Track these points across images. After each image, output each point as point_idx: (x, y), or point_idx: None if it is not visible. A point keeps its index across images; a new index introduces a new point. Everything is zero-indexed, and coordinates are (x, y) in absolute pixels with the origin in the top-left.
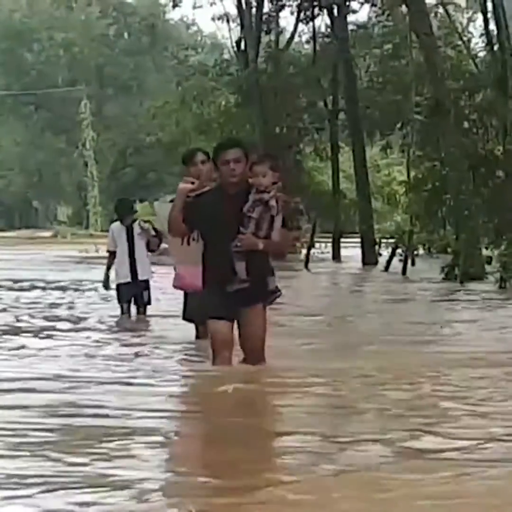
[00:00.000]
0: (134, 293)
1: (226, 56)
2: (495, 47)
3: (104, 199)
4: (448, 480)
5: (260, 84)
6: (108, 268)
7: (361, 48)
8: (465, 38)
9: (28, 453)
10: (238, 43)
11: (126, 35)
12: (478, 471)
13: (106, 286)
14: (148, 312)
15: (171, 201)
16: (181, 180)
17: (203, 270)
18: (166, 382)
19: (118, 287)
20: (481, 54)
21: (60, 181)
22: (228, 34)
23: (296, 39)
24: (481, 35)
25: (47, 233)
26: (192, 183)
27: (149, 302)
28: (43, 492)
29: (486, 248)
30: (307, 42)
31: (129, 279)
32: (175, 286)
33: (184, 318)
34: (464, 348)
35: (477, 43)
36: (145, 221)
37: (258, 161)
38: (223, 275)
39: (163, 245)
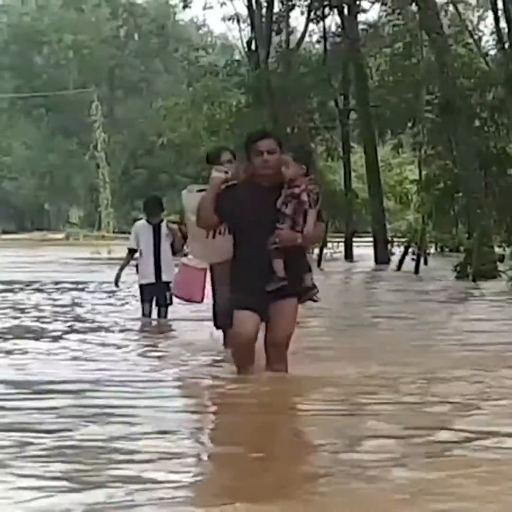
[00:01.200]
0: (156, 294)
1: (236, 56)
2: (506, 45)
3: (116, 201)
4: None
5: (271, 84)
6: (123, 267)
7: (372, 47)
8: (475, 36)
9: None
10: (248, 43)
11: (136, 36)
12: None
13: (117, 283)
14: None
15: (200, 191)
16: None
17: (233, 267)
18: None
19: (141, 287)
20: (492, 52)
21: (72, 183)
22: (238, 34)
23: (307, 39)
24: (492, 33)
25: (59, 235)
26: (226, 173)
27: (171, 303)
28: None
29: (499, 246)
30: (318, 42)
31: (153, 280)
32: (174, 295)
33: (216, 325)
34: None
35: (488, 41)
36: (173, 222)
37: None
38: (258, 273)
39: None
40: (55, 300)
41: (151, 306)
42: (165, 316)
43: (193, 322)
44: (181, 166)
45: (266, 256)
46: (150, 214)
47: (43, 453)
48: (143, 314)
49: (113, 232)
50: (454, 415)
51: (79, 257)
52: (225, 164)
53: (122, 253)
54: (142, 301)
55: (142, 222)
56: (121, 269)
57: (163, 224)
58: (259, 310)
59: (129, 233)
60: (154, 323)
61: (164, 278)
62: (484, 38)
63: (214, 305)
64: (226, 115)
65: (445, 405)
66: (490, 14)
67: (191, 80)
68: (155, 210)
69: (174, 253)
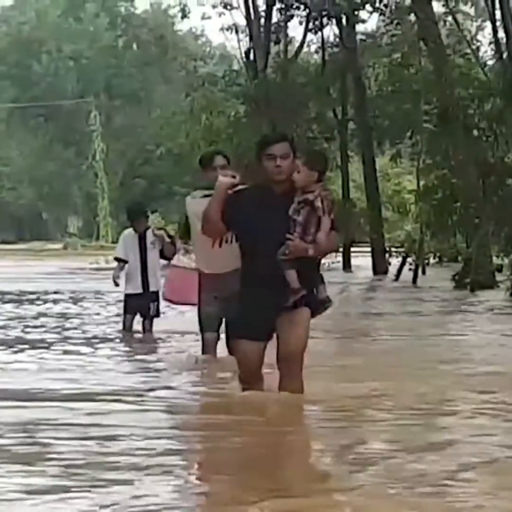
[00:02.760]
0: (142, 305)
1: (235, 66)
2: (504, 55)
3: (114, 210)
4: None
5: (269, 94)
6: (114, 278)
7: (370, 57)
8: (474, 47)
9: None
10: (247, 53)
11: (134, 46)
12: None
13: (116, 282)
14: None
15: (205, 196)
16: (190, 192)
17: (241, 281)
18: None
19: (127, 297)
20: (490, 62)
21: (70, 192)
22: (237, 44)
23: (305, 49)
24: (490, 43)
25: (58, 245)
26: (233, 177)
27: (157, 315)
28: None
29: (497, 256)
30: (316, 52)
31: (140, 290)
32: (168, 300)
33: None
34: None
35: (486, 51)
36: (159, 228)
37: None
38: (267, 286)
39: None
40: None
41: (133, 319)
42: (150, 329)
43: (179, 334)
44: (180, 176)
45: (276, 268)
46: (134, 220)
47: None
48: (124, 327)
49: (112, 242)
50: None
51: (75, 267)
52: (218, 169)
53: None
54: (125, 312)
55: (129, 230)
56: (114, 282)
57: (149, 232)
58: (265, 335)
59: None
60: (138, 336)
61: (152, 287)
62: (482, 48)
63: (199, 312)
64: (225, 125)
65: None
66: (488, 24)
67: (190, 90)
68: (138, 216)
69: (166, 258)
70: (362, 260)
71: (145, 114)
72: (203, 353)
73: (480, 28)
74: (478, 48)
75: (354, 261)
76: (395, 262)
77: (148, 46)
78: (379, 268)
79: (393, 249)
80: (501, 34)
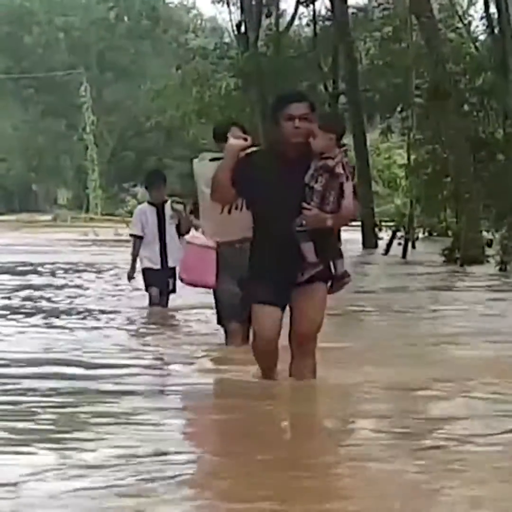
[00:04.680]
0: (160, 281)
1: (226, 39)
2: (496, 30)
3: (104, 183)
4: None
5: (260, 67)
6: (134, 258)
7: (361, 31)
8: (465, 21)
9: None
10: (238, 26)
11: (126, 18)
12: None
13: (131, 276)
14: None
15: (213, 159)
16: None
17: (251, 251)
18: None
19: (145, 271)
20: (482, 37)
21: (60, 164)
22: (228, 17)
23: (297, 22)
24: (482, 18)
25: (47, 217)
26: (245, 139)
27: (174, 290)
28: None
29: (487, 231)
30: (308, 25)
31: (158, 266)
32: (182, 279)
33: (219, 323)
34: None
35: (478, 26)
36: (178, 203)
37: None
38: (281, 258)
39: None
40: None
41: (158, 291)
42: (166, 305)
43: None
44: (170, 149)
45: (291, 239)
46: (153, 187)
47: None
48: (151, 302)
49: (101, 214)
50: None
51: (66, 239)
52: None
53: (109, 235)
54: (148, 286)
55: (145, 205)
56: (134, 261)
57: (167, 206)
58: (281, 301)
59: (117, 215)
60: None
61: (171, 263)
62: (474, 23)
63: (215, 297)
64: (216, 97)
65: None
66: None
67: (181, 63)
68: (158, 182)
69: (181, 235)
70: (351, 234)
71: (136, 87)
72: (227, 344)
73: (471, 3)
74: (469, 23)
75: (343, 235)
76: (385, 236)
77: (139, 19)
78: (369, 242)
79: (383, 223)
80: (492, 9)
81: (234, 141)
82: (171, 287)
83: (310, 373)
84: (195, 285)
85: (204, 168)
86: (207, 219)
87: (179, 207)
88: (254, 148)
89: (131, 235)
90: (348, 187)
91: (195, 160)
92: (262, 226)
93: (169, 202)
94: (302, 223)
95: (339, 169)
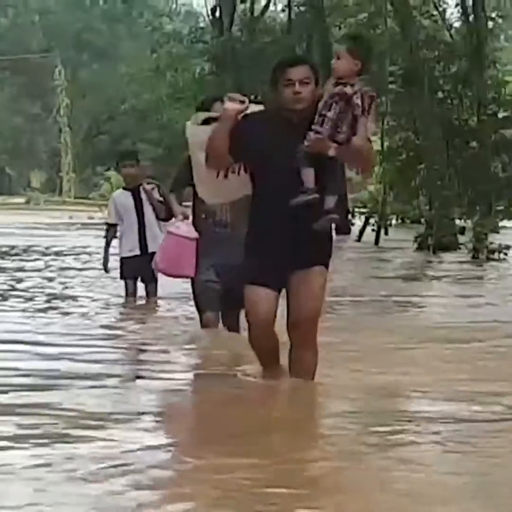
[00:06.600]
0: (141, 269)
1: (201, 24)
2: (471, 17)
3: (78, 166)
4: None
5: (235, 52)
6: (108, 246)
7: (336, 17)
8: (440, 8)
9: None
10: (213, 11)
11: (101, 1)
12: None
13: (106, 267)
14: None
15: (207, 121)
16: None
17: (249, 226)
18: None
19: (123, 261)
20: (457, 24)
21: (34, 147)
22: (203, 1)
23: (271, 7)
24: (457, 5)
25: (20, 200)
26: (242, 102)
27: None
28: None
29: (459, 218)
30: (282, 10)
31: (137, 252)
32: (158, 268)
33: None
34: None
35: (453, 13)
36: (149, 183)
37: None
38: (280, 230)
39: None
40: None
41: (135, 283)
42: (155, 293)
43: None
44: (144, 132)
45: (292, 211)
46: (124, 164)
47: None
48: (127, 293)
49: (74, 197)
50: None
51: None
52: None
53: (83, 219)
54: (123, 278)
55: (119, 191)
56: (106, 251)
57: (142, 189)
58: (277, 284)
59: (90, 199)
60: (142, 302)
61: (151, 248)
62: (449, 10)
63: (192, 286)
64: (190, 82)
65: None
66: None
67: (155, 47)
68: (129, 158)
69: (162, 219)
70: None
71: (110, 70)
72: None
73: None
74: (444, 10)
75: None
76: (358, 222)
77: (115, 1)
78: (342, 228)
79: (356, 209)
80: None
81: (230, 104)
82: (156, 274)
83: (307, 374)
84: (171, 276)
85: (198, 131)
86: (203, 183)
87: (149, 187)
88: (252, 109)
89: (105, 223)
90: (362, 121)
91: (188, 123)
92: (261, 196)
93: (141, 185)
94: (306, 145)
95: (357, 100)
